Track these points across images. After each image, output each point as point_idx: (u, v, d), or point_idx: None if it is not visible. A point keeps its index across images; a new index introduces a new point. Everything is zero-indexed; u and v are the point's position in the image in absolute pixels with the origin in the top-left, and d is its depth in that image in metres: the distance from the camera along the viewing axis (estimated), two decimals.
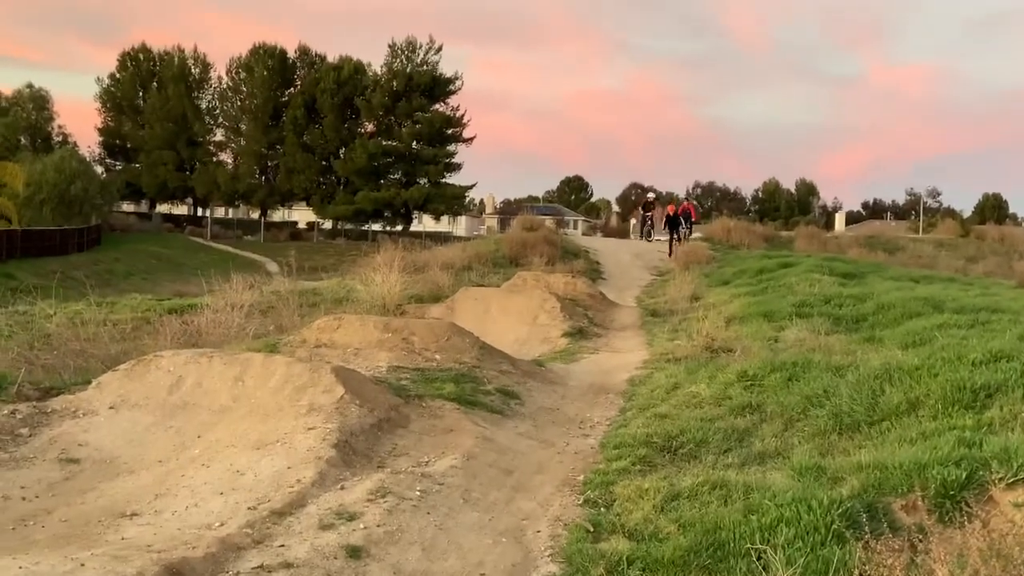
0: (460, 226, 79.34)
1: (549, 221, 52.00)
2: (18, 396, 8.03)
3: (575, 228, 74.74)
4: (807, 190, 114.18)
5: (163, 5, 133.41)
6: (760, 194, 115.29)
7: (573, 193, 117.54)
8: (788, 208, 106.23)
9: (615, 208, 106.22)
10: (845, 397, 8.66)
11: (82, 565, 4.86)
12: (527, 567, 5.67)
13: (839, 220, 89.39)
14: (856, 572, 3.60)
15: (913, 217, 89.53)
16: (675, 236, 35.01)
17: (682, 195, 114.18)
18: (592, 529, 6.16)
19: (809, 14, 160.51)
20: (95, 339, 12.57)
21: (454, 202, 77.91)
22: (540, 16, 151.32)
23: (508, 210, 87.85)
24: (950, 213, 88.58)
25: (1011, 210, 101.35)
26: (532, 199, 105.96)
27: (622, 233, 57.93)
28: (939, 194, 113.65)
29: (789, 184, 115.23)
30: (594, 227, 78.33)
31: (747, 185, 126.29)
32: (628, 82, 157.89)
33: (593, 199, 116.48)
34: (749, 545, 5.45)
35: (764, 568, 4.56)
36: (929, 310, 15.08)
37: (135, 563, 4.90)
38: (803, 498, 6.00)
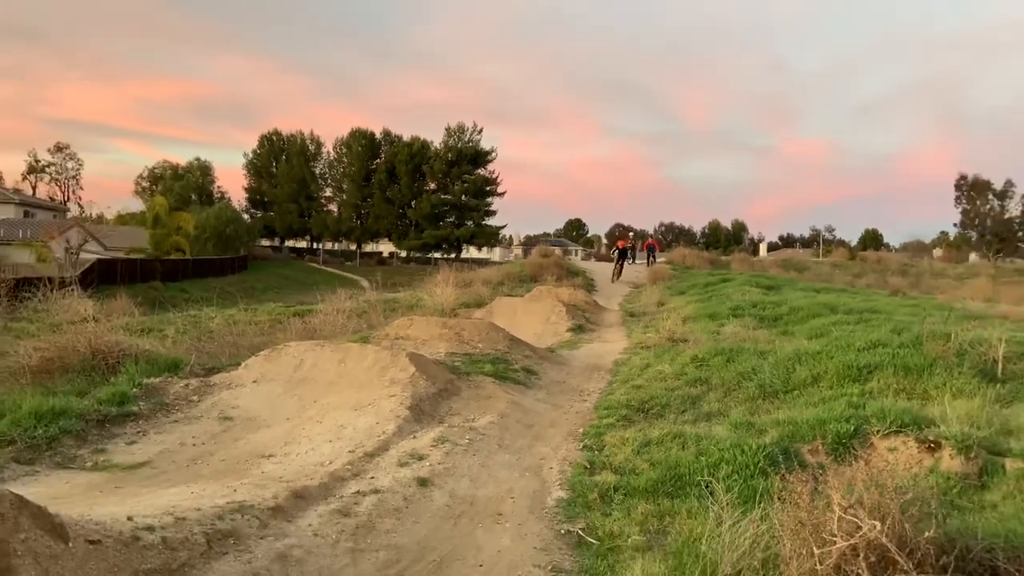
0: (496, 254, 79.09)
1: (558, 250, 52.01)
2: (190, 374, 8.04)
3: (576, 255, 74.29)
4: (739, 227, 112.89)
5: (290, 101, 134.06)
6: (707, 230, 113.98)
7: (574, 230, 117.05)
8: (727, 240, 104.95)
9: (604, 240, 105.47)
10: (767, 373, 8.55)
11: (235, 491, 4.86)
12: (544, 492, 5.63)
13: (763, 248, 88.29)
14: (775, 496, 3.57)
15: (815, 246, 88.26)
16: (620, 265, 30.12)
17: (651, 231, 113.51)
18: (588, 466, 6.10)
19: (740, 104, 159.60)
20: (243, 334, 12.62)
21: (491, 237, 77.79)
22: (550, 108, 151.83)
23: (529, 242, 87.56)
24: (841, 243, 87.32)
25: (885, 239, 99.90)
26: (546, 234, 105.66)
27: (609, 259, 57.69)
28: (834, 229, 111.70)
29: (727, 223, 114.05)
30: (589, 255, 77.72)
31: (697, 223, 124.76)
32: (612, 152, 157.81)
33: (589, 234, 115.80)
34: (699, 478, 5.40)
35: (711, 493, 4.51)
36: (827, 311, 14.85)
37: (271, 489, 4.91)
38: (738, 444, 5.94)
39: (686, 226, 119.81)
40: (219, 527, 4.15)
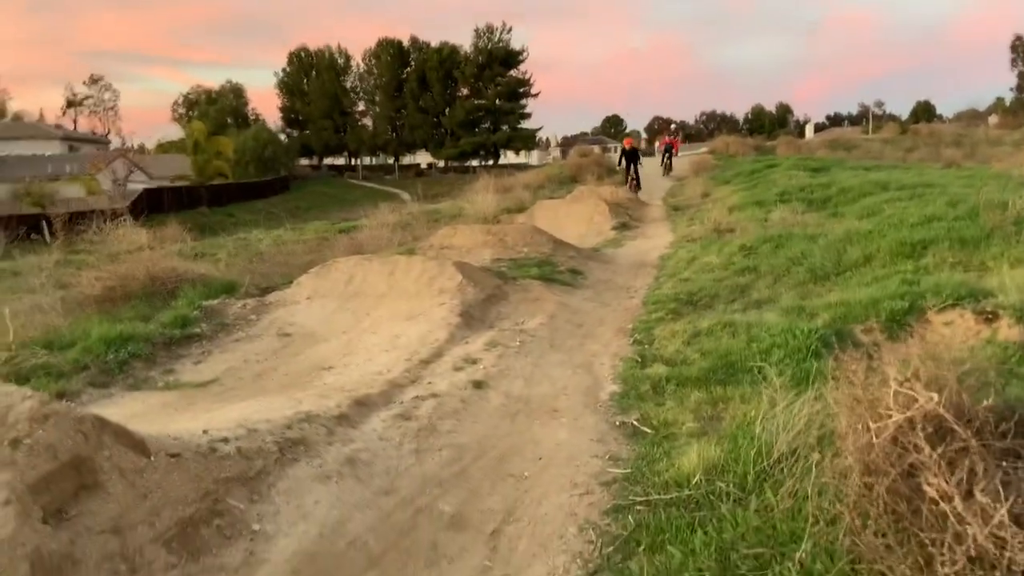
0: (533, 158, 78.07)
1: (597, 149, 50.88)
2: (246, 295, 8.26)
3: (615, 152, 72.93)
4: (784, 110, 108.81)
5: (316, 17, 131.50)
6: (750, 115, 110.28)
7: (612, 127, 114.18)
8: (771, 124, 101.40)
9: (643, 135, 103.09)
10: (818, 257, 8.43)
11: (300, 402, 5.05)
12: (597, 387, 5.73)
13: (809, 130, 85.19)
14: (830, 376, 3.57)
15: (864, 123, 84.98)
16: (634, 170, 24.71)
17: (691, 121, 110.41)
18: (640, 360, 6.17)
19: None
20: (292, 253, 12.84)
21: (528, 141, 76.72)
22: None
23: (566, 143, 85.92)
24: (892, 118, 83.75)
25: (938, 111, 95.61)
26: (583, 134, 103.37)
27: (649, 154, 56.41)
28: (883, 104, 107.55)
29: (771, 107, 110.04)
30: None
31: (740, 110, 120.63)
32: (647, 42, 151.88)
33: (627, 130, 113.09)
34: (752, 364, 5.42)
35: (764, 378, 4.53)
36: (878, 189, 14.47)
37: (335, 399, 5.09)
38: (789, 328, 5.92)
39: (728, 113, 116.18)
40: (289, 436, 4.34)
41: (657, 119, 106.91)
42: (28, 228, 23.19)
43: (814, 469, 2.92)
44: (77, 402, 5.38)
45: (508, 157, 76.92)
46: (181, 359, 6.60)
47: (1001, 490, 2.24)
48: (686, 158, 35.62)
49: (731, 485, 3.54)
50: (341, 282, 8.04)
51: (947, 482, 2.28)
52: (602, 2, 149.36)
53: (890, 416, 2.65)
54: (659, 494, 3.75)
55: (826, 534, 2.66)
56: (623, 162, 25.27)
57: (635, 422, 4.96)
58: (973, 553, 2.19)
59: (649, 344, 6.65)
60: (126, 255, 10.23)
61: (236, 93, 78.00)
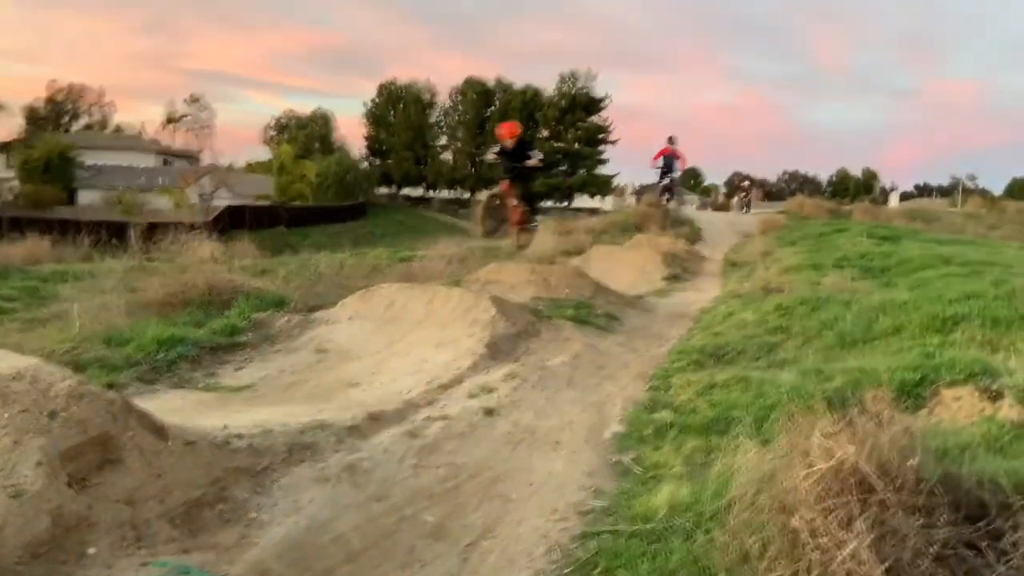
0: (608, 203, 78.53)
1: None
2: (294, 310, 8.80)
3: (691, 205, 72.74)
4: (870, 175, 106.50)
5: (407, 50, 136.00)
6: (834, 178, 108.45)
7: (691, 179, 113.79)
8: (856, 189, 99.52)
9: (722, 189, 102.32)
10: (848, 323, 8.50)
11: (320, 411, 5.48)
12: (603, 426, 5.98)
13: (894, 198, 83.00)
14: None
15: (954, 195, 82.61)
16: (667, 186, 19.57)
17: (772, 180, 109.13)
18: (650, 405, 6.40)
19: (879, 42, 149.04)
20: (349, 276, 13.45)
21: (603, 186, 77.36)
22: (673, 49, 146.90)
23: (643, 191, 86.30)
24: (983, 192, 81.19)
25: None
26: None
27: (726, 208, 56.09)
28: (976, 178, 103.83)
29: (857, 171, 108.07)
30: (705, 204, 75.82)
31: (824, 172, 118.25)
32: (734, 96, 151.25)
33: (705, 183, 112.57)
34: (751, 417, 5.60)
35: (744, 431, 4.72)
36: (939, 263, 14.24)
37: (352, 412, 5.49)
38: (797, 388, 6.08)
39: (811, 174, 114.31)
40: (300, 440, 4.77)
41: (736, 175, 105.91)
42: (112, 234, 24.57)
43: (747, 509, 3.16)
44: (124, 394, 5.94)
45: (583, 201, 77.56)
46: (224, 364, 7.14)
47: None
48: (757, 216, 35.39)
49: (689, 522, 3.78)
50: (382, 306, 8.50)
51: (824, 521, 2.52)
52: (691, 55, 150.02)
53: (813, 464, 2.89)
54: (626, 526, 4.02)
55: (740, 564, 2.91)
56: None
57: (629, 461, 5.21)
58: None
59: (665, 391, 6.85)
60: (195, 266, 10.97)
61: (324, 120, 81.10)
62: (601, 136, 76.73)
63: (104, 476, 3.62)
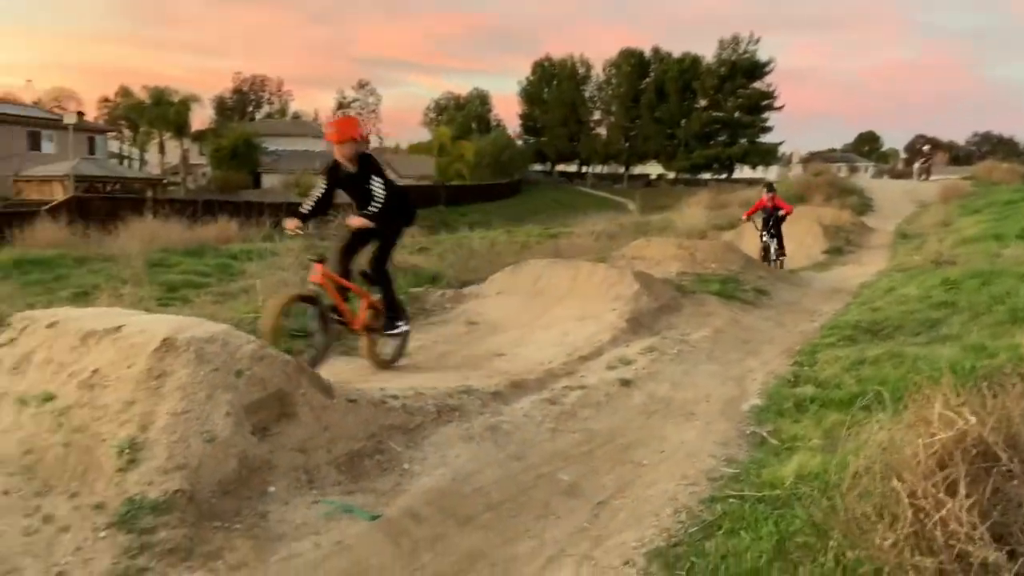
0: (772, 173, 75.41)
1: (844, 167, 48.23)
2: (447, 286, 9.37)
3: (866, 171, 68.37)
4: None
5: (561, 24, 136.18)
6: None
7: (866, 144, 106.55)
8: None
9: (902, 155, 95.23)
10: (1022, 296, 7.96)
11: (467, 378, 5.91)
12: (741, 399, 6.05)
13: None
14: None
15: None
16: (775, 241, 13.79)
17: (961, 142, 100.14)
18: (792, 379, 6.37)
19: None
20: (500, 253, 13.98)
21: (767, 155, 74.31)
22: (847, 6, 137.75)
23: (811, 159, 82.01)
24: None
25: None
26: (831, 150, 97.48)
27: (906, 176, 52.20)
28: None
29: None
30: (882, 172, 71.03)
31: (1022, 133, 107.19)
32: (917, 53, 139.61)
33: (883, 148, 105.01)
34: (892, 392, 5.47)
35: (882, 403, 4.67)
36: None
37: (496, 379, 5.89)
38: (954, 363, 5.85)
39: (1006, 135, 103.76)
40: (448, 403, 5.21)
41: (920, 138, 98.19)
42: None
43: (865, 476, 3.22)
44: (299, 360, 6.65)
45: (744, 172, 74.93)
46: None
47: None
48: (939, 183, 32.93)
49: (814, 490, 3.86)
50: (529, 281, 8.87)
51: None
52: (865, 10, 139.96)
53: (933, 435, 2.93)
54: (753, 492, 4.14)
55: (856, 528, 2.99)
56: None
57: (765, 433, 5.27)
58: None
59: (810, 366, 6.78)
60: None
61: (481, 100, 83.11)
62: (765, 103, 73.55)
63: (281, 427, 4.18)
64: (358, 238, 6.56)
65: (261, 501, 3.78)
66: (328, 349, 6.29)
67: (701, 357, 6.95)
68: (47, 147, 45.57)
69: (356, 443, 4.39)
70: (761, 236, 13.85)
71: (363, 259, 6.64)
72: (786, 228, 15.68)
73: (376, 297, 6.66)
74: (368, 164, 6.34)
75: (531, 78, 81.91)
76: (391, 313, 6.66)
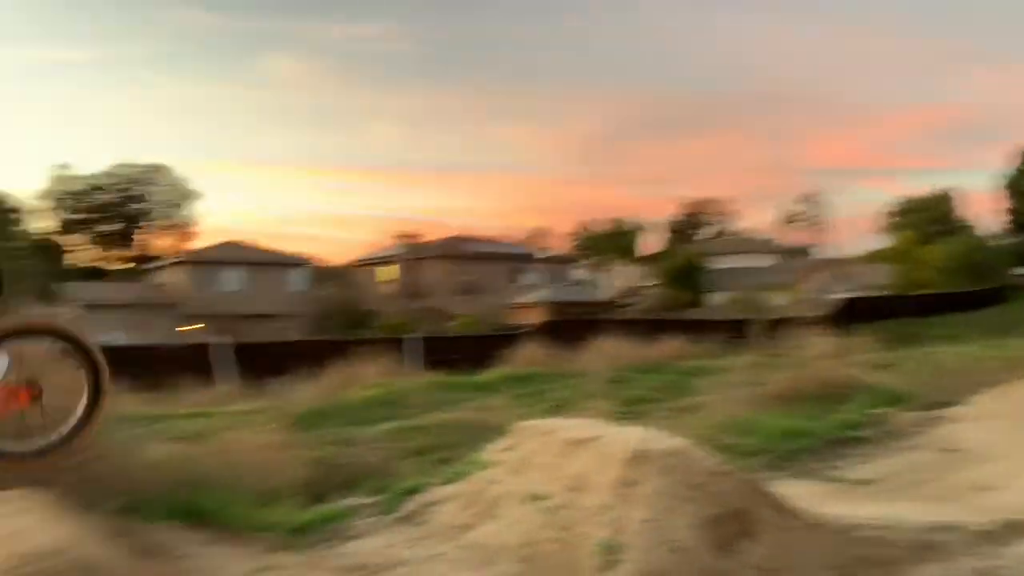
0: None
1: None
2: (916, 407, 8.57)
3: None
4: None
5: None
6: None
7: None
8: None
9: None
10: None
11: (947, 512, 5.32)
12: None
13: None
14: None
15: None
16: None
17: None
18: None
19: None
20: (981, 371, 12.24)
21: None
22: None
23: None
24: None
25: None
26: None
27: None
28: None
29: None
30: None
31: None
32: None
33: None
34: None
35: None
36: None
37: (986, 517, 5.19)
38: None
39: None
40: (926, 538, 4.74)
41: None
42: (736, 331, 26.72)
43: None
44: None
45: None
46: (844, 458, 7.38)
47: None
48: None
49: None
50: (1018, 405, 7.69)
51: None
52: None
53: None
54: None
55: None
56: None
57: None
58: None
59: None
60: (811, 360, 11.50)
61: (945, 199, 75.14)
62: None
63: (741, 545, 4.23)
64: None
65: None
66: None
67: None
68: (527, 278, 53.94)
69: (823, 571, 4.23)
70: None
71: None
72: None
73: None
74: None
75: (1021, 168, 71.24)
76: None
